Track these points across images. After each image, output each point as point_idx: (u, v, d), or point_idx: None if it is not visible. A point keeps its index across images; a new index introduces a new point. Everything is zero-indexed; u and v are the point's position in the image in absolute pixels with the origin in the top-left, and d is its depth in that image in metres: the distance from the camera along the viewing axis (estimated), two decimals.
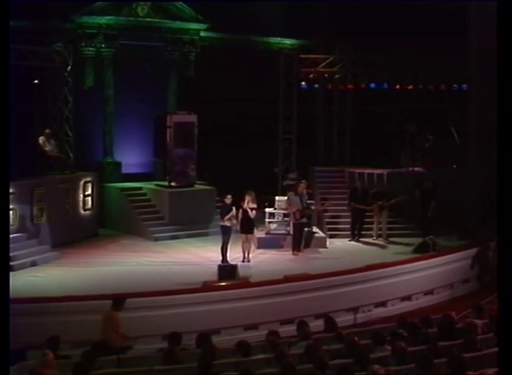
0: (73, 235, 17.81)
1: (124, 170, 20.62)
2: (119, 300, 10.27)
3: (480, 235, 16.29)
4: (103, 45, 19.81)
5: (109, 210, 19.73)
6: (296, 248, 16.69)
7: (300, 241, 16.86)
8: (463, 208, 18.14)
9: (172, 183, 19.23)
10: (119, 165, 20.55)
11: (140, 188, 19.90)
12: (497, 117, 8.15)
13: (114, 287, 13.01)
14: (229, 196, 15.53)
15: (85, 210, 18.58)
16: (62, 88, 19.09)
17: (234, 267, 14.26)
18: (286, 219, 17.41)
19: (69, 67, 19.08)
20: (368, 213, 18.24)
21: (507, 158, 7.69)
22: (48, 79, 19.09)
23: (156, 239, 18.08)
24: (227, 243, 15.45)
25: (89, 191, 18.72)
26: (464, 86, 20.90)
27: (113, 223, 19.54)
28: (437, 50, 20.14)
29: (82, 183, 18.52)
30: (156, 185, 19.79)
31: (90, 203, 18.74)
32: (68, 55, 19.01)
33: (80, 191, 18.45)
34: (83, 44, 19.65)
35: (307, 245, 17.21)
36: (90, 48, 19.75)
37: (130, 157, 20.83)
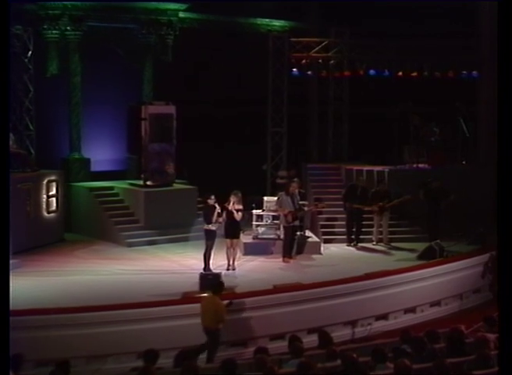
0: (36, 241, 17.74)
1: (93, 168, 20.58)
2: (217, 283, 11.73)
3: (492, 239, 16.34)
4: (68, 28, 19.71)
5: (77, 213, 19.69)
6: (287, 254, 16.69)
7: (292, 246, 16.88)
8: (473, 209, 18.23)
9: (148, 183, 19.21)
10: (87, 162, 20.49)
11: (111, 188, 19.87)
12: (498, 117, 8.28)
13: (82, 299, 12.98)
14: (213, 197, 15.51)
15: (49, 213, 18.52)
16: (21, 76, 19.01)
17: (218, 276, 14.26)
18: (275, 222, 17.41)
19: (30, 52, 19.05)
20: (367, 215, 18.30)
21: (507, 158, 7.80)
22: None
23: (130, 245, 18.05)
24: (211, 249, 15.44)
25: (53, 191, 18.64)
26: (474, 73, 21.00)
27: (81, 227, 19.50)
28: (444, 32, 20.24)
29: (45, 182, 18.44)
30: (130, 184, 19.76)
31: (54, 205, 18.67)
32: (28, 38, 18.97)
33: (43, 191, 18.37)
34: (45, 27, 19.56)
35: (300, 251, 17.25)
36: (54, 31, 19.67)
37: (100, 153, 20.78)
